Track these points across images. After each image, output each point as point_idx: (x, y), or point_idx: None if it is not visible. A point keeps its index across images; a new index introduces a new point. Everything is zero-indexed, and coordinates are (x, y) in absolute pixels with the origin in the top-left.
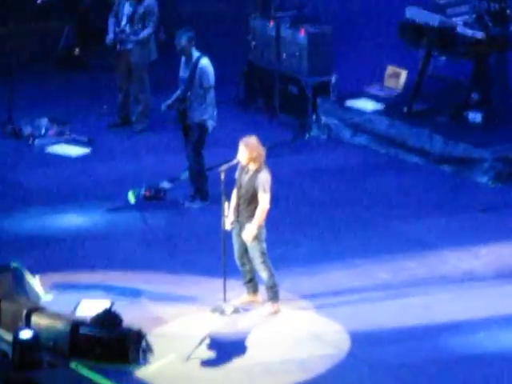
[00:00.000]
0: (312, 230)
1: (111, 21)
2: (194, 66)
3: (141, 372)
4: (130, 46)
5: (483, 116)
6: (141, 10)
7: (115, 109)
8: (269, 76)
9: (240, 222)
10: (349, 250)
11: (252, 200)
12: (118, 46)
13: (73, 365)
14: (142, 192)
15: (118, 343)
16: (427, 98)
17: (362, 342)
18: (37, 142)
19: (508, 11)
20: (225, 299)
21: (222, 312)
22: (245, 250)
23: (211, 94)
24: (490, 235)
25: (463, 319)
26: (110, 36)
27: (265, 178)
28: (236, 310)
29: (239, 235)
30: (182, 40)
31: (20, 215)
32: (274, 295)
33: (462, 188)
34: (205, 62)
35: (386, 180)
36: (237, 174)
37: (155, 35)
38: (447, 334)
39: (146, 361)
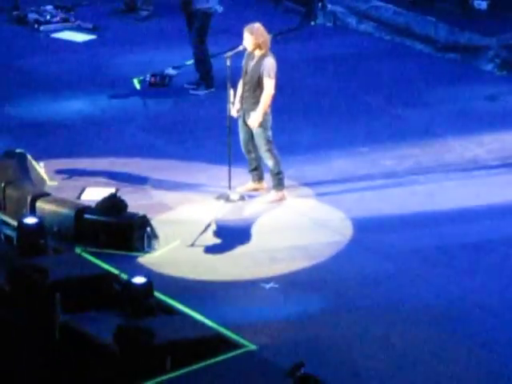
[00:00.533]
0: (317, 118)
1: None
2: None
3: (145, 258)
4: None
5: (488, 3)
6: None
7: None
8: None
9: (246, 109)
10: (353, 138)
11: (257, 86)
12: None
13: (78, 250)
14: (147, 78)
15: (122, 229)
16: None
17: (366, 228)
18: (42, 28)
19: None
20: (230, 186)
21: (228, 199)
22: (250, 137)
23: None
24: (494, 123)
25: (467, 206)
26: None
27: (270, 64)
28: (241, 197)
29: (245, 122)
30: None
31: (25, 101)
32: (279, 182)
33: (466, 76)
34: None
35: (391, 67)
36: (243, 62)
37: None
38: (451, 222)
39: (150, 247)
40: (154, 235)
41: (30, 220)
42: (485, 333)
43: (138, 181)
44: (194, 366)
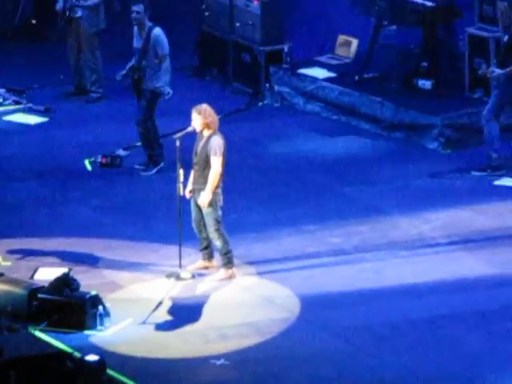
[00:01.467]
0: (265, 197)
1: None
2: (147, 36)
3: (98, 336)
4: (79, 13)
5: (432, 83)
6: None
7: (71, 78)
8: (222, 45)
9: (196, 189)
10: (301, 216)
11: (206, 165)
12: (68, 13)
13: (31, 329)
14: (98, 159)
15: (75, 308)
16: (378, 66)
17: (314, 305)
18: None
19: None
20: (180, 265)
21: (178, 277)
22: (202, 217)
23: (166, 62)
24: (440, 200)
25: (414, 283)
26: (60, 3)
27: (217, 143)
28: (192, 276)
29: (196, 202)
30: (137, 10)
31: None
32: (228, 261)
33: (412, 154)
34: (158, 32)
35: (338, 146)
36: (195, 143)
37: (109, 6)
38: (398, 298)
39: (103, 325)
40: (106, 314)
41: None
42: None
43: (90, 260)
44: None
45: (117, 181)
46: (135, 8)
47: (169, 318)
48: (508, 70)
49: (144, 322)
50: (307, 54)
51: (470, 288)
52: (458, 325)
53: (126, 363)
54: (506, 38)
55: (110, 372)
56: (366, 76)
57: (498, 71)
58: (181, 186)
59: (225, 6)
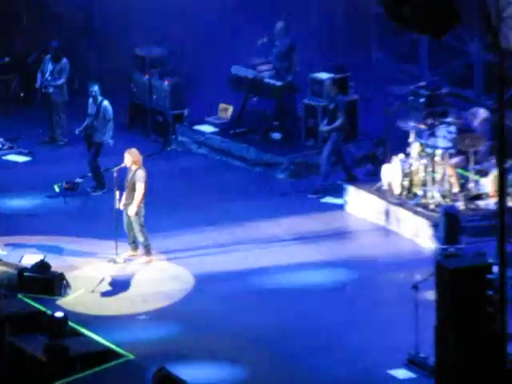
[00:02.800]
0: (173, 209)
1: (39, 73)
2: (99, 105)
3: (62, 301)
4: (51, 89)
5: (281, 135)
6: (58, 67)
7: (47, 131)
8: (144, 109)
9: (127, 204)
10: (197, 220)
11: (133, 189)
12: (44, 90)
13: (20, 296)
14: (63, 185)
15: (48, 282)
16: (245, 124)
17: (205, 280)
18: None
19: (294, 68)
20: (116, 253)
21: (115, 262)
22: (130, 221)
23: (110, 124)
24: (287, 211)
25: (270, 265)
26: (38, 82)
27: (140, 174)
28: (124, 260)
29: (126, 212)
30: (94, 87)
31: None
32: (147, 251)
33: (268, 181)
34: (106, 103)
35: (219, 177)
36: (127, 174)
37: (69, 84)
38: (260, 276)
39: (66, 293)
40: (67, 286)
41: None
42: None
43: (57, 250)
44: (92, 370)
45: (75, 198)
46: (93, 88)
47: (108, 288)
48: (333, 126)
49: (92, 291)
50: (200, 115)
51: (306, 268)
52: (302, 295)
53: (81, 318)
54: (332, 105)
55: (71, 324)
56: (238, 130)
57: (327, 127)
58: (117, 201)
59: (145, 85)
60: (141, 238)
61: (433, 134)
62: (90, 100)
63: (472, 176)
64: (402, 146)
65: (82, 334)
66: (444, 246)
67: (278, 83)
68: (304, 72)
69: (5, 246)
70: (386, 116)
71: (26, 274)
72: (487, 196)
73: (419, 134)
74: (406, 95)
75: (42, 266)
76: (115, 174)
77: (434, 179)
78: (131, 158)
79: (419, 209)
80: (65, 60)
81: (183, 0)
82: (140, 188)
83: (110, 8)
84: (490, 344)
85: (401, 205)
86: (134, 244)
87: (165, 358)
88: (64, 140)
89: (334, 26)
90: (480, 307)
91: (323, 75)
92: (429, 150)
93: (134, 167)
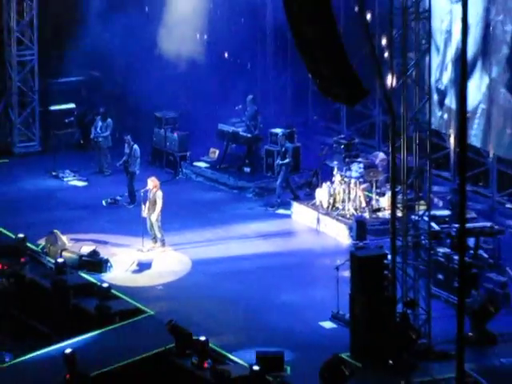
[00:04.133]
0: (179, 217)
1: (92, 128)
2: (131, 148)
3: (107, 276)
4: (100, 139)
5: (250, 169)
6: (105, 124)
7: (97, 165)
8: (161, 152)
9: (149, 213)
10: (196, 224)
11: (154, 203)
12: (95, 139)
13: (79, 272)
14: (108, 200)
15: (98, 263)
16: (227, 161)
17: (199, 263)
18: (64, 179)
19: (259, 125)
20: (142, 245)
21: (141, 251)
22: (151, 224)
23: (138, 160)
24: (254, 218)
25: (242, 254)
26: (92, 134)
27: (159, 194)
28: (148, 250)
29: (149, 218)
30: (128, 137)
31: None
32: (162, 244)
33: (241, 200)
34: (136, 147)
35: (210, 196)
36: (149, 193)
37: (112, 135)
38: (235, 260)
39: (109, 271)
40: (110, 266)
41: (59, 259)
42: None
43: (103, 243)
44: (126, 322)
45: (115, 210)
46: (127, 137)
47: (136, 268)
48: (284, 162)
49: (126, 270)
50: (197, 156)
51: (265, 255)
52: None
53: (119, 287)
54: (283, 149)
55: (112, 291)
56: (222, 166)
57: (281, 162)
58: (143, 211)
59: (162, 136)
60: (158, 235)
61: (349, 169)
62: (126, 145)
63: (374, 196)
64: (328, 176)
65: (119, 298)
66: (356, 242)
67: (249, 135)
68: (266, 127)
69: (70, 240)
70: (319, 156)
71: (83, 258)
72: (384, 209)
73: (340, 169)
74: (332, 143)
75: (94, 253)
76: (142, 194)
77: (349, 198)
78: (152, 183)
79: (339, 217)
80: (109, 120)
81: (187, 76)
82: (159, 203)
83: (140, 83)
84: (385, 306)
85: (327, 214)
86: (154, 239)
87: (174, 314)
88: (108, 171)
89: (285, 96)
90: (379, 282)
91: (277, 130)
92: (346, 179)
93: (154, 189)
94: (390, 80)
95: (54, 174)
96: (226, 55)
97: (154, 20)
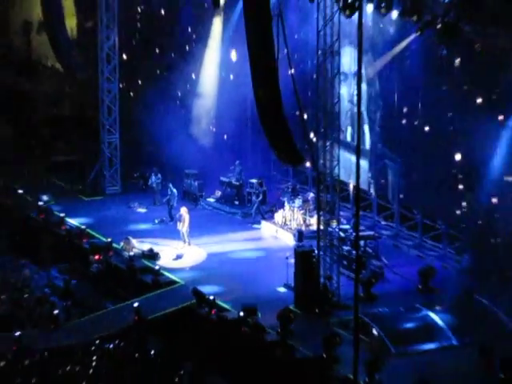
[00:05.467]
0: (197, 228)
1: (149, 179)
2: (171, 190)
3: (158, 262)
4: (154, 185)
5: (238, 202)
6: (157, 177)
7: (152, 202)
8: (188, 193)
9: (182, 226)
10: (207, 232)
11: (184, 221)
12: (152, 185)
13: (143, 260)
14: (158, 220)
15: (153, 255)
16: (225, 198)
17: (211, 255)
18: (135, 208)
19: (243, 178)
20: (178, 245)
21: (177, 248)
22: (183, 233)
23: (175, 198)
24: (240, 229)
25: (232, 250)
26: (149, 182)
27: (187, 216)
28: (181, 248)
29: (181, 229)
30: (170, 184)
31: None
32: (189, 244)
33: (232, 219)
34: (174, 190)
35: (215, 218)
36: (181, 216)
37: (161, 183)
38: (228, 254)
39: (159, 259)
40: (159, 257)
41: (131, 253)
42: None
43: (155, 244)
44: (164, 289)
45: (163, 225)
46: (170, 185)
47: (174, 257)
48: (258, 199)
49: (169, 259)
50: (208, 195)
51: (246, 250)
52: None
53: (164, 268)
54: (257, 191)
55: (161, 271)
56: (222, 200)
57: (255, 198)
58: (178, 225)
59: (188, 183)
60: (186, 240)
61: (293, 202)
62: (168, 189)
63: (307, 217)
64: (282, 206)
65: (164, 275)
66: (297, 243)
67: (237, 183)
68: (246, 178)
69: (137, 242)
70: (277, 195)
71: (144, 252)
72: (313, 225)
73: (288, 202)
74: (284, 188)
75: (151, 249)
76: (177, 216)
77: (293, 218)
78: (183, 209)
79: (288, 229)
80: (159, 174)
81: (202, 149)
82: (187, 221)
83: (175, 153)
84: (315, 282)
85: (281, 227)
86: (184, 241)
87: (196, 283)
88: (158, 203)
89: (257, 160)
90: (310, 266)
91: (253, 180)
92: (292, 208)
93: (184, 213)
94: (315, 150)
95: (128, 205)
96: (225, 137)
97: (184, 108)
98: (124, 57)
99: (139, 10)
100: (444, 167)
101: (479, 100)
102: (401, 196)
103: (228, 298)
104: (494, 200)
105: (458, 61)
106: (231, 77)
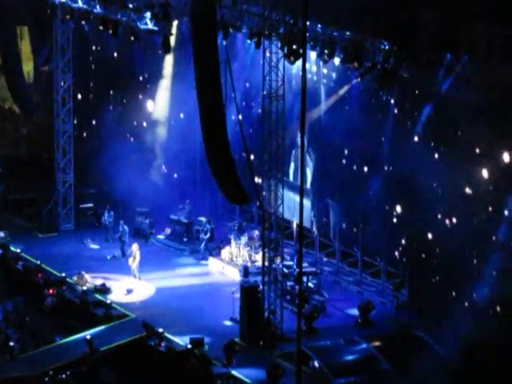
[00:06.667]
0: (148, 263)
1: (103, 216)
2: (123, 227)
3: (109, 296)
4: (107, 222)
5: (187, 239)
6: (110, 214)
7: (104, 237)
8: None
9: (132, 262)
10: (158, 267)
11: (135, 257)
12: (105, 222)
13: (95, 295)
14: (110, 256)
15: (104, 289)
16: (176, 235)
17: (161, 290)
18: (88, 244)
19: (192, 216)
20: (128, 280)
21: (128, 283)
22: (133, 269)
23: (127, 235)
24: (189, 265)
25: (182, 285)
26: (102, 219)
27: (138, 252)
28: (131, 282)
29: (132, 265)
30: (121, 222)
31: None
32: (139, 279)
33: (182, 254)
34: (126, 227)
35: (166, 253)
36: (132, 252)
37: (113, 221)
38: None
39: (110, 294)
40: (110, 291)
41: (84, 287)
42: None
43: (106, 278)
44: (116, 322)
45: (114, 261)
46: (121, 221)
47: (125, 292)
48: (206, 237)
49: (120, 293)
50: (159, 232)
51: (198, 282)
52: None
53: (116, 303)
54: (205, 230)
55: (113, 305)
56: (171, 237)
57: (203, 236)
58: (129, 260)
59: (139, 221)
60: (137, 274)
61: (239, 239)
62: (120, 226)
63: (253, 254)
64: (229, 243)
65: (116, 308)
66: (243, 279)
67: (186, 221)
68: (195, 217)
69: (90, 277)
70: (225, 234)
71: (97, 287)
72: (258, 261)
73: (235, 239)
74: (231, 226)
75: (103, 284)
76: (128, 252)
77: (239, 255)
78: (134, 246)
79: (234, 265)
80: (112, 212)
81: (154, 189)
82: (137, 257)
83: (127, 191)
84: (259, 316)
85: (228, 263)
86: (134, 276)
87: (146, 316)
88: (111, 240)
89: (205, 200)
90: (255, 301)
91: (202, 218)
92: (238, 245)
93: (135, 250)
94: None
95: (82, 241)
96: (176, 176)
97: (137, 147)
98: (79, 96)
99: (93, 49)
100: (383, 205)
101: (416, 139)
102: (341, 234)
103: (176, 331)
104: (430, 236)
105: (393, 101)
106: (181, 115)
